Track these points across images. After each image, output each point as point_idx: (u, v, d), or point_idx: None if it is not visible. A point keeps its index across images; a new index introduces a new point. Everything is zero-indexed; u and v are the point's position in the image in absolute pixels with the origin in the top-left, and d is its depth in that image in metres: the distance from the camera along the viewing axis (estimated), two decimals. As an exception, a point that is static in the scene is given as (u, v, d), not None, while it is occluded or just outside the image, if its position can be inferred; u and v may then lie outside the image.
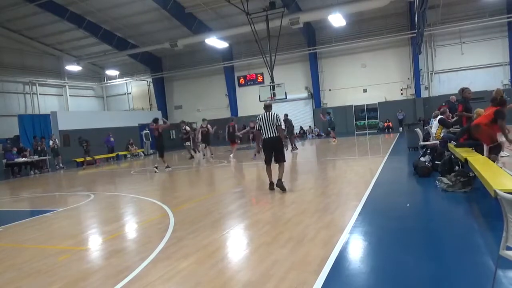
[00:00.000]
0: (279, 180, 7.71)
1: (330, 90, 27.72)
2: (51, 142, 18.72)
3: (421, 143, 10.67)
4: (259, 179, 9.73)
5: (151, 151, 24.89)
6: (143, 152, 23.74)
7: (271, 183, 7.87)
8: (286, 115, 17.99)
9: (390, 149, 14.25)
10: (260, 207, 6.91)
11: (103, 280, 3.86)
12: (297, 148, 17.23)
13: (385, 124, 26.03)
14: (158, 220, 6.38)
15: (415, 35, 22.92)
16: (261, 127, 7.61)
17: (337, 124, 27.11)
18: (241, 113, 29.38)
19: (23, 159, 17.79)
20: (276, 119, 7.53)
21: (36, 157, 18.24)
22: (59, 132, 20.82)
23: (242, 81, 29.38)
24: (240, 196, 8.05)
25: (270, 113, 7.60)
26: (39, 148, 18.74)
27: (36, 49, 27.23)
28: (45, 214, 7.62)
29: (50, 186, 11.40)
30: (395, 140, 18.27)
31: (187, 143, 17.87)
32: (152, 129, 12.83)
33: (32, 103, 26.80)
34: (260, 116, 7.69)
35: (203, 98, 30.56)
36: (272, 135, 7.52)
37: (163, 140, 13.81)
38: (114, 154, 21.86)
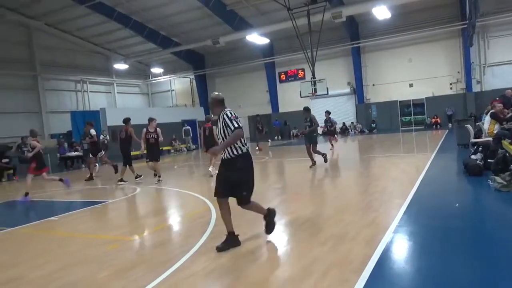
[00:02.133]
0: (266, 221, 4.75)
1: (373, 85, 26.95)
2: (101, 137, 19.64)
3: (472, 140, 10.13)
4: (299, 175, 9.67)
5: (193, 146, 25.47)
6: (186, 147, 24.33)
7: (229, 234, 4.47)
8: (327, 113, 16.81)
9: (438, 146, 13.64)
10: (300, 203, 6.86)
11: (148, 270, 4.00)
12: (324, 155, 11.44)
13: (433, 120, 24.93)
14: (200, 214, 6.51)
15: (466, 26, 21.71)
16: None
17: (381, 120, 26.41)
18: (282, 109, 29.30)
19: (75, 153, 18.83)
20: (225, 125, 4.25)
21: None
22: (108, 128, 21.81)
23: (283, 77, 29.28)
24: (280, 192, 8.04)
25: (221, 114, 4.36)
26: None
27: (87, 49, 28.62)
28: (95, 206, 8.02)
29: (99, 179, 11.98)
30: (444, 137, 17.45)
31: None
32: (205, 128, 11.68)
33: (83, 100, 28.24)
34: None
35: (244, 94, 30.77)
36: (226, 152, 4.33)
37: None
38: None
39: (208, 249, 4.44)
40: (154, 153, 10.67)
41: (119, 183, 10.82)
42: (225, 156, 4.37)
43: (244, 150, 4.37)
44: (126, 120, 11.32)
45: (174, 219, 6.69)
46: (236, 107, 30.99)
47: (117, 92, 31.20)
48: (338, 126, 27.75)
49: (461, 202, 5.91)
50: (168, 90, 34.00)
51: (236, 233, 4.49)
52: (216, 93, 4.64)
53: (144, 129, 10.69)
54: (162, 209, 7.70)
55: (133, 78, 32.46)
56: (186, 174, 13.18)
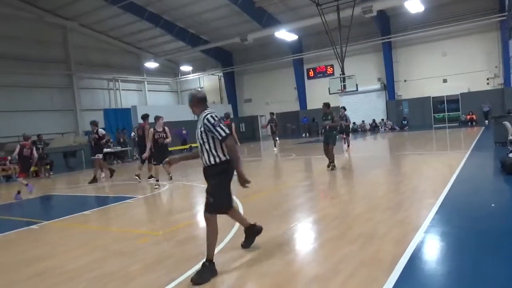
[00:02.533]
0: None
1: (405, 81, 26.24)
2: (132, 134, 20.17)
3: (511, 137, 9.68)
4: (328, 173, 9.56)
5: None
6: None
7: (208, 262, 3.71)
8: (343, 109, 15.23)
9: (473, 143, 13.12)
10: (329, 201, 6.79)
11: (176, 264, 4.08)
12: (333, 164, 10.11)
13: (468, 116, 23.98)
14: (227, 210, 6.56)
15: (505, 18, 20.74)
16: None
17: (413, 117, 25.68)
18: (310, 106, 29.04)
19: (108, 149, 19.42)
20: (206, 130, 3.73)
21: (119, 148, 19.80)
22: (139, 125, 22.34)
23: (311, 73, 29.00)
24: (308, 190, 7.99)
25: (201, 116, 3.82)
26: (121, 140, 20.29)
27: (119, 48, 29.39)
28: (127, 201, 8.25)
29: (131, 174, 12.29)
30: (480, 134, 16.78)
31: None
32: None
33: (115, 98, 29.05)
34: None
35: (272, 91, 30.72)
36: (203, 160, 3.89)
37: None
38: (187, 146, 22.94)
39: (234, 246, 4.47)
40: (164, 154, 8.99)
41: (149, 180, 10.51)
42: (203, 164, 3.90)
43: (223, 158, 3.81)
44: (144, 117, 10.89)
45: (202, 215, 6.77)
46: (264, 104, 31.05)
47: (148, 90, 31.88)
48: (359, 124, 27.31)
49: (498, 202, 5.67)
50: (197, 88, 34.44)
51: (210, 262, 3.69)
52: (197, 89, 4.27)
53: (152, 129, 9.64)
54: (190, 205, 7.82)
55: (163, 76, 33.07)
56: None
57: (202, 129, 3.75)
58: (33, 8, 22.83)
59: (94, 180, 11.43)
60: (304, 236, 4.92)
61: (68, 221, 6.81)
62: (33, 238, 5.92)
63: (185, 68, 32.15)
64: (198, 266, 3.88)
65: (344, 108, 15.62)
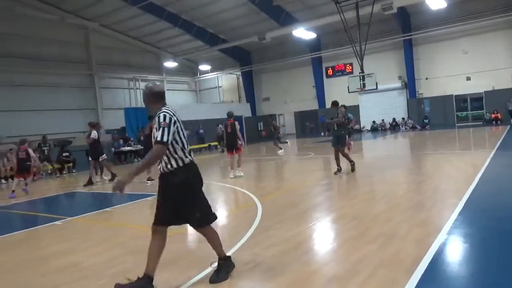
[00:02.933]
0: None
1: (426, 79, 25.71)
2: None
3: (537, 136, 9.35)
4: (346, 172, 9.45)
5: (239, 142, 25.75)
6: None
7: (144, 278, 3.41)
8: (344, 107, 12.29)
9: (499, 143, 12.74)
10: (347, 200, 6.72)
11: (193, 262, 4.11)
12: (352, 163, 9.43)
13: (493, 115, 23.31)
14: (246, 209, 6.58)
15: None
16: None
17: (435, 116, 25.14)
18: (329, 104, 28.74)
19: (128, 147, 19.76)
20: (159, 126, 3.22)
21: (139, 146, 20.08)
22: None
23: (330, 72, 28.74)
24: (327, 189, 7.92)
25: (157, 114, 3.32)
26: (141, 138, 20.58)
27: (138, 48, 29.80)
28: (147, 198, 8.35)
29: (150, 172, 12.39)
30: (505, 133, 16.28)
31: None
32: (227, 124, 10.47)
33: (135, 97, 29.47)
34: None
35: (290, 90, 30.61)
36: (161, 165, 3.36)
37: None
38: (206, 145, 23.13)
39: (252, 244, 4.47)
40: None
41: (148, 181, 10.55)
42: (160, 170, 3.37)
43: (187, 160, 3.33)
44: (150, 117, 11.05)
45: (220, 214, 6.81)
46: (282, 103, 30.97)
47: (167, 89, 32.17)
48: (378, 122, 26.82)
49: (524, 203, 5.49)
50: (216, 87, 34.61)
51: (153, 281, 3.40)
52: (153, 83, 3.60)
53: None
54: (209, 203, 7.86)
55: (182, 75, 33.36)
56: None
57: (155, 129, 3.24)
58: (56, 9, 23.37)
59: (90, 182, 11.24)
60: (322, 235, 4.88)
61: (89, 218, 6.95)
62: (57, 233, 6.06)
63: (204, 67, 32.36)
64: (215, 265, 3.89)
65: (344, 107, 13.56)
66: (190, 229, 5.80)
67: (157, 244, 3.45)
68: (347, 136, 11.90)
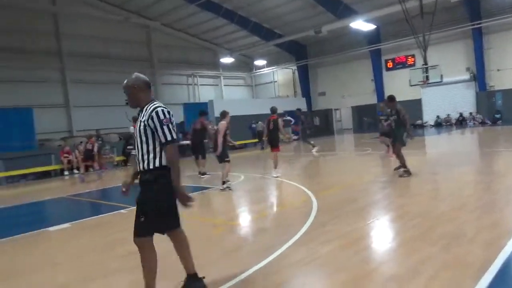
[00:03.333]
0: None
1: (498, 70, 23.71)
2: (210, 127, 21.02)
3: None
4: (410, 169, 9.03)
5: (295, 137, 25.68)
6: (286, 138, 24.58)
7: None
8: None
9: None
10: (409, 198, 6.43)
11: (249, 254, 4.17)
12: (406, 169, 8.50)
13: None
14: (301, 204, 6.54)
15: None
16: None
17: (508, 110, 23.14)
18: (388, 98, 27.65)
19: (187, 142, 20.47)
20: (154, 128, 2.99)
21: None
22: (215, 118, 23.23)
23: (390, 64, 27.57)
24: (386, 186, 7.63)
25: (147, 108, 3.08)
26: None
27: (196, 45, 30.67)
28: (204, 191, 8.62)
29: (207, 166, 12.76)
30: None
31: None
32: (269, 120, 9.86)
33: (193, 93, 30.43)
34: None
35: (347, 84, 29.82)
36: (140, 163, 3.12)
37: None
38: (258, 140, 23.32)
39: (308, 240, 4.44)
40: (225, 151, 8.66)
41: (202, 176, 10.66)
42: (140, 167, 3.09)
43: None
44: (202, 113, 11.15)
45: (276, 208, 6.84)
46: (339, 97, 30.28)
47: (224, 85, 32.88)
48: (443, 117, 25.22)
49: None
50: (271, 82, 34.67)
51: None
52: (138, 74, 3.26)
53: (224, 123, 8.56)
54: (264, 197, 7.93)
55: (238, 70, 33.82)
56: (286, 164, 13.33)
57: (147, 123, 2.97)
58: (121, 10, 24.73)
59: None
60: (382, 233, 4.71)
61: (151, 208, 7.30)
62: (122, 221, 6.46)
63: (259, 62, 32.54)
64: (272, 256, 3.92)
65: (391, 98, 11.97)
66: (246, 220, 5.91)
67: (149, 255, 3.20)
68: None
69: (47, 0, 21.83)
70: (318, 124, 30.66)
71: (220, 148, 8.41)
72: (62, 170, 15.31)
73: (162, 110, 2.97)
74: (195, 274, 3.29)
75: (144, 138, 3.00)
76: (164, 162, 3.00)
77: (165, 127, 2.93)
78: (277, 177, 9.52)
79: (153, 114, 2.94)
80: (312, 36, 26.18)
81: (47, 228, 6.17)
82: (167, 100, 27.98)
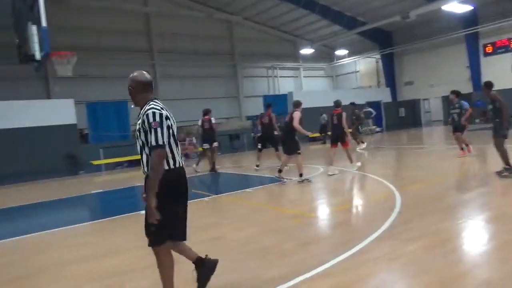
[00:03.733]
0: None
1: None
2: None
3: None
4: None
5: (378, 129, 24.63)
6: (368, 130, 23.64)
7: None
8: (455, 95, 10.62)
9: None
10: (508, 198, 5.79)
11: (328, 247, 4.11)
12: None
13: None
14: (383, 198, 6.26)
15: None
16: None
17: None
18: (486, 87, 25.03)
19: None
20: (144, 130, 2.85)
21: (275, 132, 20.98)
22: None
23: (489, 49, 24.83)
24: (481, 183, 6.95)
25: (143, 109, 2.93)
26: (279, 124, 21.43)
27: (277, 37, 30.79)
28: (285, 181, 8.65)
29: (271, 159, 12.82)
30: None
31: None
32: (333, 114, 9.34)
33: (273, 85, 30.70)
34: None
35: (438, 72, 27.58)
36: (142, 167, 2.99)
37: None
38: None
39: (391, 236, 4.23)
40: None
41: (279, 172, 10.55)
42: (143, 170, 2.98)
43: (171, 165, 2.90)
44: (268, 105, 11.48)
45: (356, 201, 6.65)
46: (428, 86, 28.20)
47: (303, 76, 32.62)
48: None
49: None
50: (352, 72, 33.52)
51: None
52: (140, 72, 3.05)
53: (299, 112, 8.44)
54: (344, 190, 7.75)
55: (318, 61, 33.27)
56: (368, 157, 12.84)
57: (141, 126, 2.84)
58: (205, 7, 25.79)
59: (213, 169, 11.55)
60: (474, 235, 4.31)
61: (232, 196, 7.58)
62: (204, 209, 6.81)
63: (340, 52, 31.61)
64: (352, 251, 3.82)
65: (457, 94, 10.77)
66: (325, 213, 5.83)
67: (169, 263, 3.08)
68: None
69: (140, 2, 23.63)
70: (404, 115, 29.04)
71: (306, 133, 8.51)
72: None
73: (153, 113, 2.78)
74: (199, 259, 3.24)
75: (140, 142, 2.89)
76: (166, 166, 2.84)
77: (152, 131, 2.74)
78: (357, 168, 9.25)
79: (144, 117, 2.80)
80: (398, 22, 24.65)
81: (140, 212, 6.75)
82: (248, 92, 28.68)
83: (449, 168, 8.95)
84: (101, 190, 9.94)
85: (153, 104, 2.87)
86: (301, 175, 8.29)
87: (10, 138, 14.90)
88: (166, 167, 2.85)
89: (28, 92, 18.61)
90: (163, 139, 2.75)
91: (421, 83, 28.81)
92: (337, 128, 9.23)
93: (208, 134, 11.25)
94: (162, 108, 2.86)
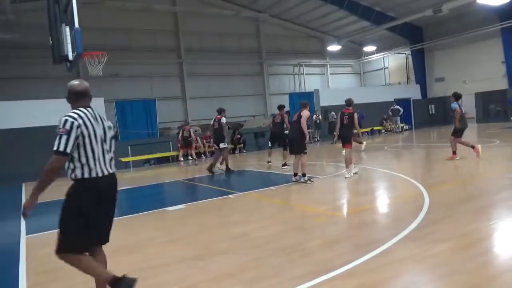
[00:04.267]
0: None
1: None
2: (314, 117, 20.85)
3: None
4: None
5: (406, 127, 24.09)
6: (396, 127, 23.11)
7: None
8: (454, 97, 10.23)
9: None
10: (544, 199, 5.54)
11: (352, 247, 4.06)
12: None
13: None
14: (411, 198, 6.13)
15: None
16: None
17: None
18: (524, 83, 23.96)
19: (287, 132, 20.68)
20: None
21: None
22: (321, 108, 22.99)
23: (527, 42, 23.72)
24: (514, 183, 6.68)
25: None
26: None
27: (303, 34, 30.54)
28: (312, 179, 8.60)
29: (312, 156, 12.75)
30: None
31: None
32: (343, 113, 8.90)
33: (299, 82, 30.50)
34: None
35: (470, 68, 26.60)
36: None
37: None
38: (368, 129, 22.35)
39: (418, 236, 4.14)
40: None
41: (283, 167, 10.67)
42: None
43: (86, 174, 2.82)
44: (281, 107, 11.47)
45: (383, 201, 6.54)
46: (460, 83, 27.26)
47: (330, 73, 32.23)
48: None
49: None
50: (381, 68, 32.82)
51: None
52: (74, 81, 3.10)
53: (307, 112, 8.36)
54: (370, 189, 7.63)
55: (345, 58, 32.78)
56: (396, 156, 12.57)
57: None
58: (233, 5, 25.91)
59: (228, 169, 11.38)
60: (506, 237, 4.15)
61: (257, 194, 7.62)
62: (230, 206, 6.88)
63: (369, 48, 31.00)
64: (378, 251, 3.77)
65: (456, 96, 10.63)
66: (350, 212, 5.77)
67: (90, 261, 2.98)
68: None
69: (169, 1, 24.03)
70: (434, 113, 28.29)
71: (306, 133, 8.24)
72: (178, 156, 16.84)
73: (65, 120, 2.78)
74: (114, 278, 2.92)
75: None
76: (77, 175, 2.81)
77: (57, 137, 2.75)
78: (350, 176, 8.41)
79: (58, 122, 2.81)
80: (429, 17, 23.96)
81: (166, 208, 6.89)
82: (274, 90, 28.63)
83: (482, 167, 8.64)
84: (130, 187, 10.22)
85: (74, 112, 2.88)
86: (304, 175, 8.21)
87: (48, 135, 15.49)
88: (80, 176, 2.80)
89: (64, 92, 19.31)
90: (65, 146, 2.73)
91: (453, 79, 27.88)
92: (346, 128, 8.81)
93: (217, 134, 11.26)
94: (80, 117, 2.82)
